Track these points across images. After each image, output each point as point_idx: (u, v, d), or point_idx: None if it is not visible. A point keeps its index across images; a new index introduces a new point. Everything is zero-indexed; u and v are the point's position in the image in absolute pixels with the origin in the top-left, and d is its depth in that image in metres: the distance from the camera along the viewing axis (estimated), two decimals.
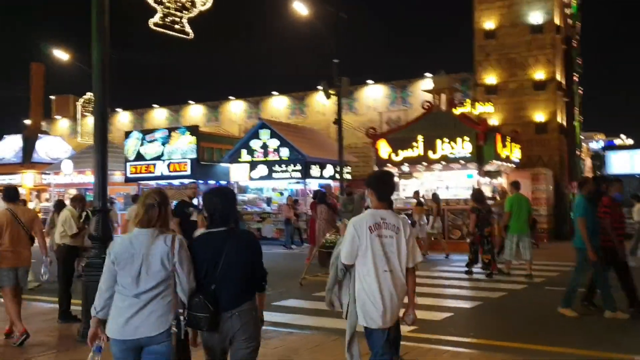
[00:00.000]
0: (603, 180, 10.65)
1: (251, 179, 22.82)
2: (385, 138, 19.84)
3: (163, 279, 3.51)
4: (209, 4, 9.29)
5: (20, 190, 27.38)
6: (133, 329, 3.43)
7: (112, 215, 15.49)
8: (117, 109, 38.39)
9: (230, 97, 35.13)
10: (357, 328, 4.17)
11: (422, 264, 13.71)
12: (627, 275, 8.25)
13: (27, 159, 30.60)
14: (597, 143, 43.04)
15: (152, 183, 24.44)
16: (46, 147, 31.85)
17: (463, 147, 18.04)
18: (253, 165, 22.60)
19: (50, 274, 7.54)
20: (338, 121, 19.09)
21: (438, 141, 18.28)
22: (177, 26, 8.90)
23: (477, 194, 13.15)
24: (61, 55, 28.32)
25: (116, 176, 25.47)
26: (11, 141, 32.09)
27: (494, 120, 23.67)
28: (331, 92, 19.02)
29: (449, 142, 18.16)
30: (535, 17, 24.37)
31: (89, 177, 25.26)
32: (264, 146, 22.57)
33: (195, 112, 36.09)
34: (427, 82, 26.54)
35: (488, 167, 18.64)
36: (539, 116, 24.12)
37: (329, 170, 23.31)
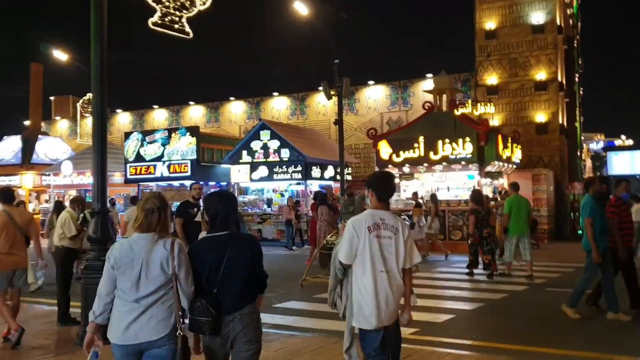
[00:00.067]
0: (605, 180, 10.59)
1: (252, 180, 22.78)
2: (386, 139, 19.83)
3: (163, 284, 3.51)
4: (208, 3, 9.24)
5: (20, 191, 27.55)
6: (134, 334, 3.44)
7: (113, 216, 15.43)
8: (117, 110, 38.33)
9: (231, 98, 35.09)
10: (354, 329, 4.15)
11: (422, 265, 13.65)
12: (633, 276, 8.20)
13: (26, 160, 30.53)
14: (597, 144, 42.98)
15: (152, 184, 24.42)
16: (46, 148, 31.77)
17: (464, 148, 18.02)
18: (253, 166, 22.57)
19: (45, 277, 7.49)
20: (339, 122, 19.03)
21: (439, 142, 18.26)
22: (176, 26, 8.84)
23: (476, 195, 13.11)
24: (61, 55, 28.30)
25: (116, 177, 25.43)
26: (10, 142, 32.01)
27: (495, 121, 23.64)
28: (332, 92, 18.96)
29: (450, 143, 18.14)
30: (537, 17, 24.35)
31: (88, 179, 25.18)
32: (265, 147, 22.54)
33: (195, 113, 36.05)
34: (428, 83, 26.49)
35: (489, 168, 18.61)
36: (540, 117, 24.10)
37: (330, 171, 23.28)
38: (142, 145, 24.15)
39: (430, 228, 16.03)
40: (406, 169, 19.21)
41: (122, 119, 38.61)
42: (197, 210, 9.09)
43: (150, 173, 23.87)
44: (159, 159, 23.69)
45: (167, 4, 8.71)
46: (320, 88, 20.00)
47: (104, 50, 6.93)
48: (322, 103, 30.57)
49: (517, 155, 20.94)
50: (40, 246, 7.47)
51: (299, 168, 21.76)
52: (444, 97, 20.19)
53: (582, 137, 32.52)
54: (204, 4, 9.26)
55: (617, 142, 45.47)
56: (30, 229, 7.20)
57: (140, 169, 24.13)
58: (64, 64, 29.28)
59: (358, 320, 3.97)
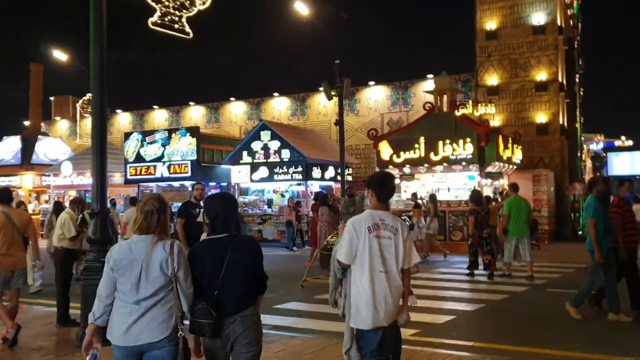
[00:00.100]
0: (605, 181, 10.57)
1: (252, 180, 22.76)
2: (387, 139, 19.82)
3: (163, 285, 3.51)
4: (208, 3, 9.22)
5: (20, 192, 27.53)
6: (134, 336, 3.45)
7: (114, 216, 15.41)
8: (117, 110, 38.30)
9: (231, 98, 35.06)
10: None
11: (422, 265, 13.60)
12: (634, 277, 8.17)
13: (26, 161, 30.51)
14: (597, 144, 42.92)
15: (152, 185, 24.40)
16: (45, 149, 31.75)
17: (464, 148, 18.01)
18: (254, 167, 22.55)
19: (42, 279, 7.46)
20: (339, 122, 19.00)
21: (440, 143, 18.25)
22: (176, 25, 8.82)
23: (475, 195, 13.09)
24: (60, 55, 28.27)
25: (116, 178, 25.41)
26: (10, 142, 31.99)
27: (496, 122, 23.63)
28: (332, 93, 18.93)
29: (451, 144, 18.13)
30: (538, 17, 24.33)
31: (88, 179, 25.13)
32: (265, 148, 22.53)
33: (195, 113, 36.03)
34: (428, 83, 26.48)
35: (489, 169, 18.60)
36: (541, 117, 24.08)
37: (330, 171, 23.26)
38: (142, 145, 24.14)
39: (429, 228, 16.04)
40: (407, 169, 19.20)
41: (122, 119, 38.59)
42: (199, 211, 9.05)
43: (150, 174, 23.86)
44: (159, 159, 23.68)
45: (166, 3, 8.69)
46: (321, 88, 19.97)
47: (103, 50, 6.91)
48: (322, 104, 30.56)
49: (518, 155, 20.93)
50: (38, 247, 7.45)
51: (300, 169, 21.75)
52: (445, 97, 20.18)
53: (583, 138, 32.50)
54: (204, 3, 9.24)
55: (617, 143, 45.39)
56: (29, 229, 7.17)
57: (140, 170, 24.12)
58: (63, 64, 29.25)
59: (355, 320, 3.97)
